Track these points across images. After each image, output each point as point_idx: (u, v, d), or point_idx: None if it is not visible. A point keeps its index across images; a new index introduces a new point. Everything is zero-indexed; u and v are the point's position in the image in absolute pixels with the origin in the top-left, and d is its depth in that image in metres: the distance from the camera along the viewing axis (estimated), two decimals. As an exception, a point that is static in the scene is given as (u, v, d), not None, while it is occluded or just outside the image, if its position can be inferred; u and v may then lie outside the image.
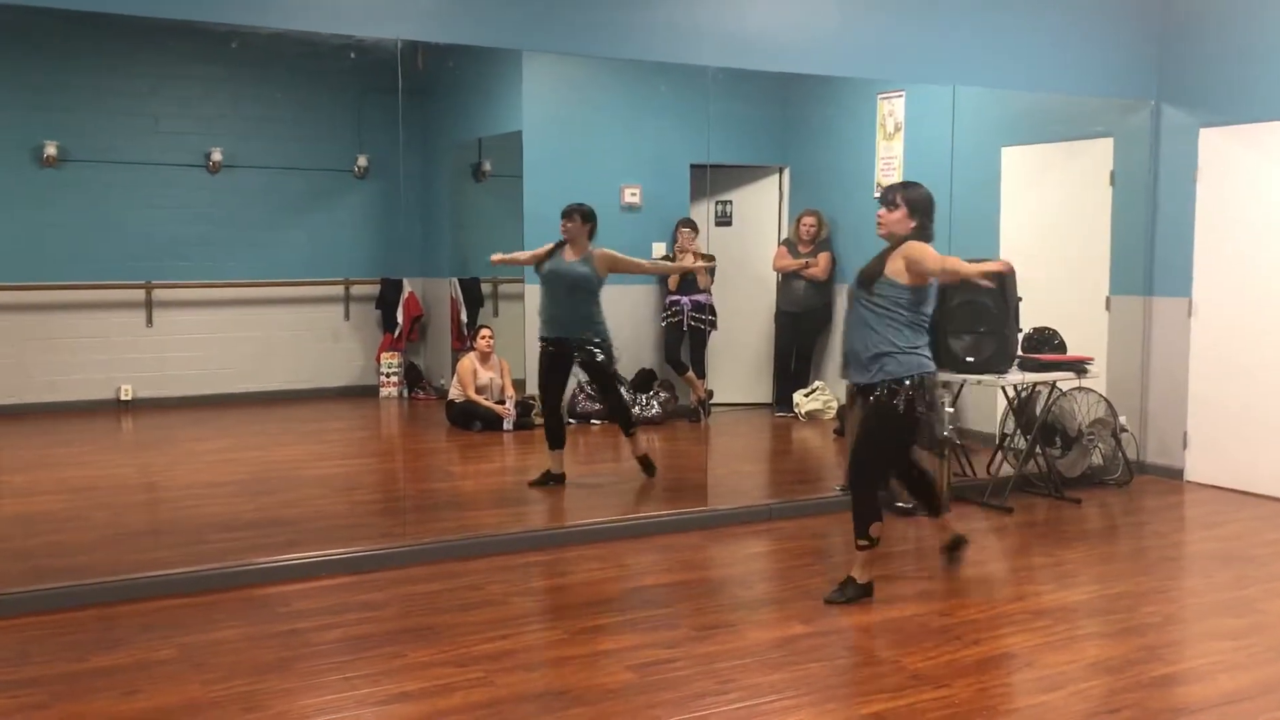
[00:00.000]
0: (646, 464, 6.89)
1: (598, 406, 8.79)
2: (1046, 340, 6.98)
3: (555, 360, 6.68)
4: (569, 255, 6.57)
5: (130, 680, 4.00)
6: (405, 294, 9.85)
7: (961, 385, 6.95)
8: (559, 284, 6.57)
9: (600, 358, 6.59)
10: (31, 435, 7.97)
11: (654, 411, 8.81)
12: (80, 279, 9.06)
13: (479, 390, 8.41)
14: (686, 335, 8.65)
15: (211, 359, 9.46)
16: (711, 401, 8.85)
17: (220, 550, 5.38)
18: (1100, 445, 7.14)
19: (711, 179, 8.46)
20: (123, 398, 9.02)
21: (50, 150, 8.85)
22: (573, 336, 6.57)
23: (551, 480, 6.72)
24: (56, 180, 8.93)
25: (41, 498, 6.43)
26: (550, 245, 6.65)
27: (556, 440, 6.73)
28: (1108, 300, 7.65)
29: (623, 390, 7.09)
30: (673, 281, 8.64)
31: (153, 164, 9.24)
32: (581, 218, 6.59)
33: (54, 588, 4.80)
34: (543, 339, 6.68)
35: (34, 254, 8.83)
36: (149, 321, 9.24)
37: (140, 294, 9.26)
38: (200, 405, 9.16)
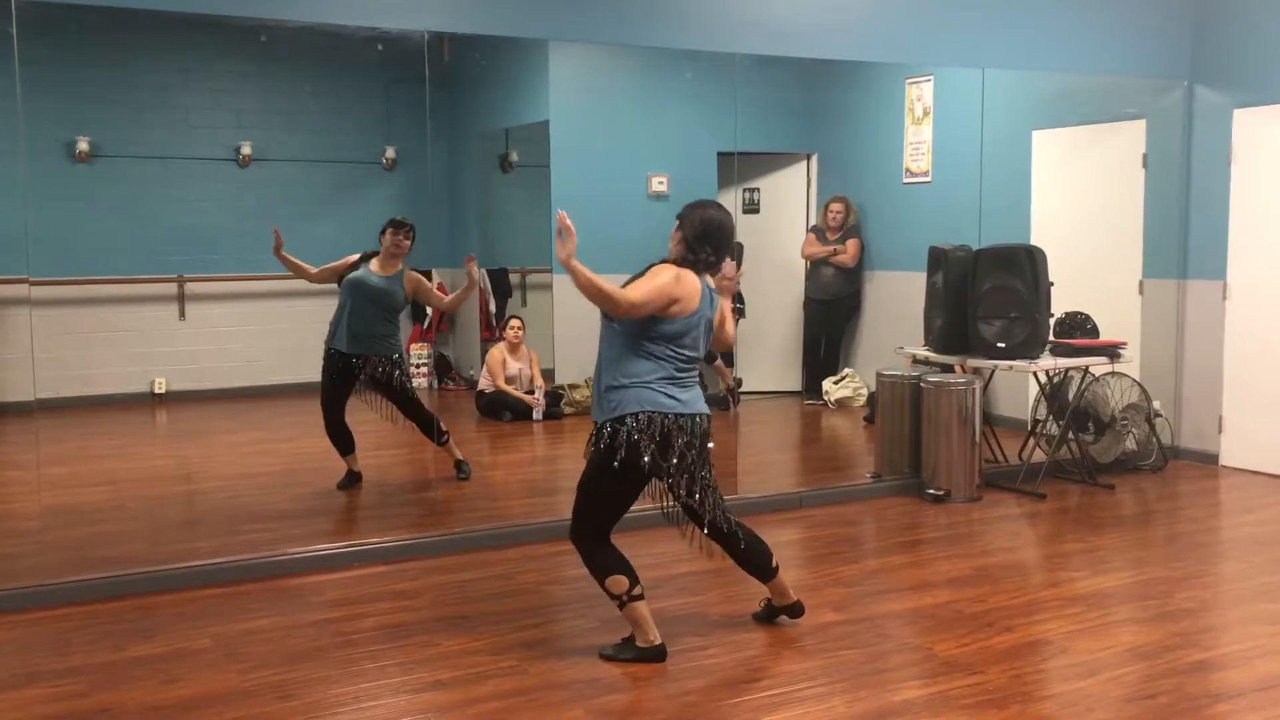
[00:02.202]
0: (461, 469, 6.71)
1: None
2: (1079, 325, 6.92)
3: (344, 373, 6.39)
4: (380, 271, 6.34)
5: (167, 670, 4.05)
6: (434, 285, 9.87)
7: (993, 371, 6.91)
8: (358, 295, 6.33)
9: (396, 374, 6.37)
10: (69, 428, 8.05)
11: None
12: (113, 273, 9.13)
13: (508, 380, 8.43)
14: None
15: (244, 351, 9.51)
16: (740, 390, 8.84)
17: (254, 541, 5.43)
18: (1134, 430, 7.08)
19: (739, 166, 8.43)
20: (157, 391, 9.10)
21: (82, 146, 8.92)
22: (369, 353, 6.32)
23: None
24: (89, 175, 9.00)
25: (79, 490, 6.51)
26: (355, 257, 6.39)
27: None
28: (1141, 284, 7.58)
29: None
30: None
31: (183, 158, 9.29)
32: (413, 237, 6.38)
33: (92, 578, 4.87)
34: (329, 350, 6.41)
35: (68, 249, 8.91)
36: (181, 315, 9.31)
37: (173, 288, 9.33)
38: (233, 397, 9.21)
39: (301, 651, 4.21)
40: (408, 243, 6.37)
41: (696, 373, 4.16)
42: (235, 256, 9.61)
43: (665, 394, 3.98)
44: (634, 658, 4.09)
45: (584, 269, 3.89)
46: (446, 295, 6.68)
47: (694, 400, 4.07)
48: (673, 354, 4.02)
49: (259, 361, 9.57)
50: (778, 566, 4.37)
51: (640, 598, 4.07)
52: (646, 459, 3.94)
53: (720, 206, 4.17)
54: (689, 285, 4.01)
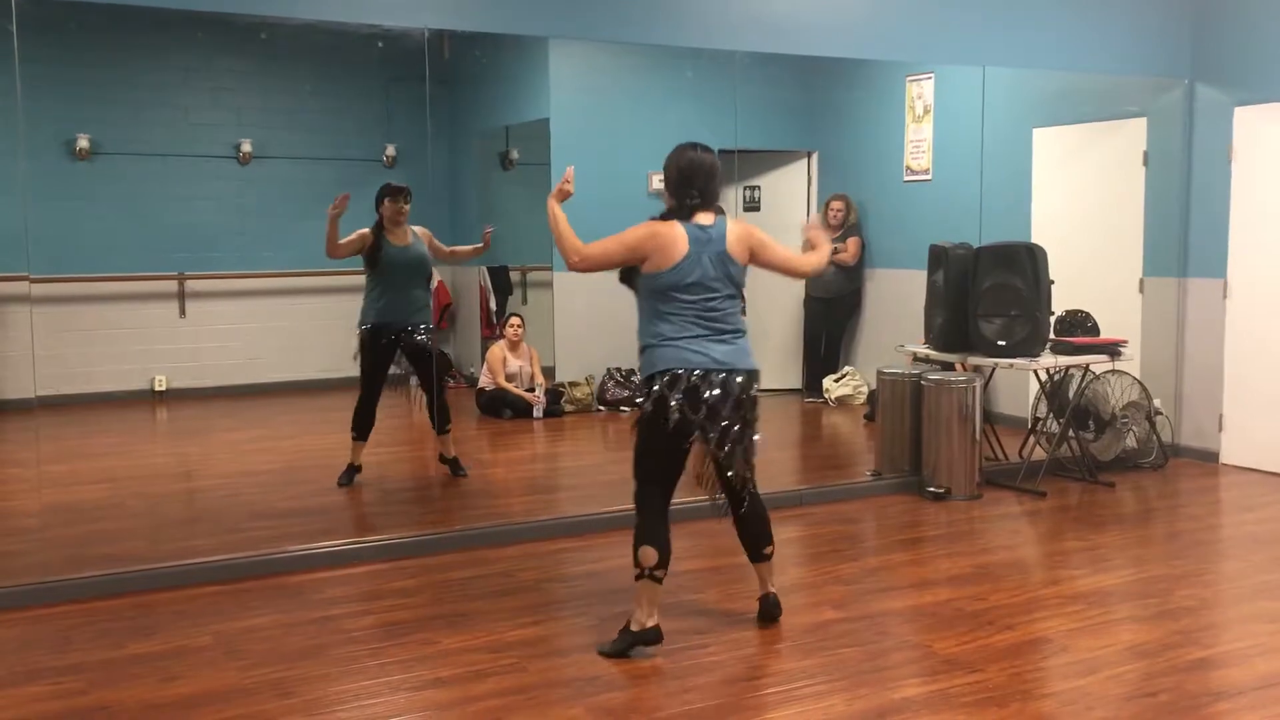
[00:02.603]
0: (456, 467, 6.70)
1: (626, 394, 8.80)
2: (1079, 323, 6.92)
3: (388, 346, 6.45)
4: (404, 239, 6.41)
5: (167, 667, 4.05)
6: (435, 283, 9.87)
7: (993, 369, 6.91)
8: (406, 267, 6.41)
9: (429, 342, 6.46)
10: (69, 426, 8.05)
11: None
12: (114, 271, 9.13)
13: (508, 378, 8.44)
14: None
15: (244, 349, 9.51)
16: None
17: (254, 538, 5.43)
18: (1134, 428, 7.08)
19: (739, 164, 8.44)
20: (157, 388, 9.10)
21: (83, 143, 8.92)
22: (414, 320, 6.42)
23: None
24: (89, 173, 9.00)
25: (80, 487, 6.51)
26: (365, 231, 6.40)
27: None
28: (1141, 282, 7.58)
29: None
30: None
31: (184, 156, 9.29)
32: (410, 198, 6.41)
33: (92, 576, 4.87)
34: (375, 326, 6.43)
35: (68, 247, 8.91)
36: (182, 312, 9.31)
37: (173, 285, 9.33)
38: (233, 395, 9.22)
39: (301, 649, 4.21)
40: (407, 206, 6.44)
41: (731, 317, 4.11)
42: (236, 254, 9.61)
43: (692, 350, 4.01)
44: (630, 644, 4.10)
45: (560, 214, 4.12)
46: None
47: (729, 355, 4.05)
48: (687, 306, 4.02)
49: (259, 359, 9.57)
50: (770, 554, 4.37)
51: (658, 580, 4.10)
52: (675, 414, 3.97)
53: (698, 146, 4.16)
54: (664, 237, 4.03)
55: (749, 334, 4.22)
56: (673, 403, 3.97)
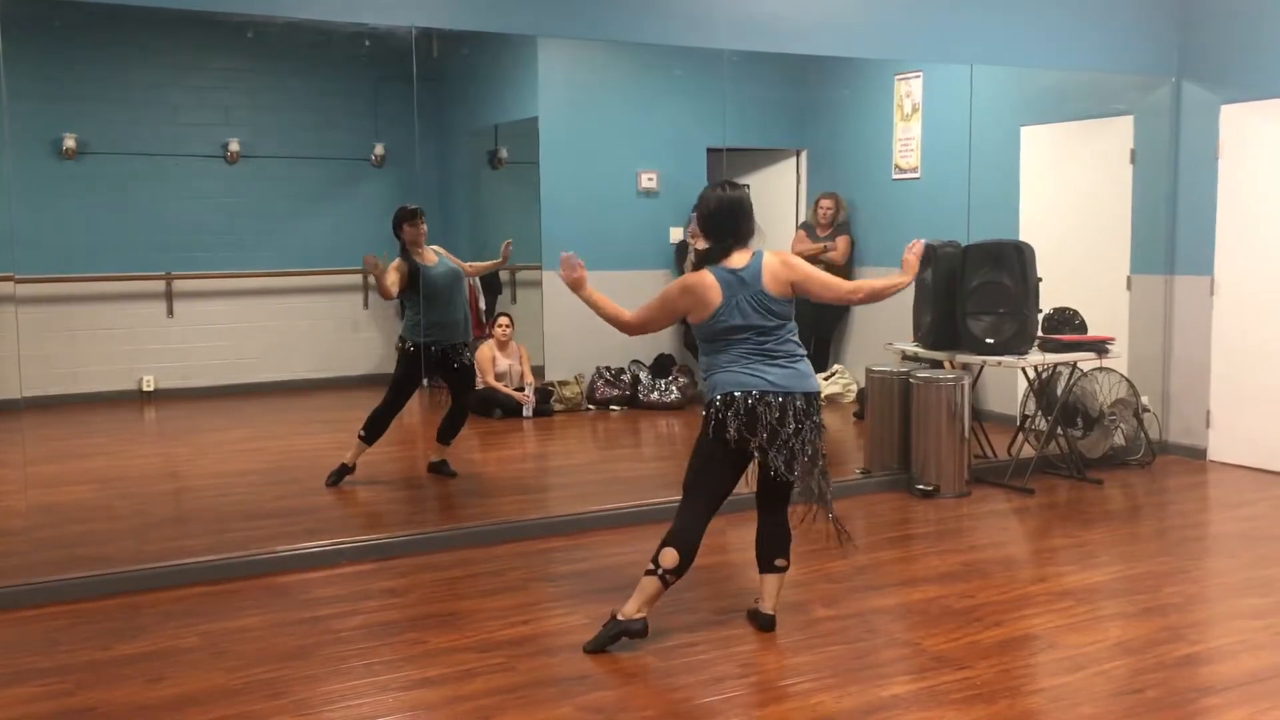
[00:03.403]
0: (444, 468, 6.73)
1: (615, 392, 8.80)
2: (1067, 320, 6.94)
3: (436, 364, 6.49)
4: (431, 258, 6.44)
5: (155, 668, 4.04)
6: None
7: (982, 366, 6.92)
8: (448, 286, 6.46)
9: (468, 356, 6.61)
10: (56, 426, 8.02)
11: (673, 396, 8.81)
12: (101, 270, 9.10)
13: (498, 377, 8.42)
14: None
15: (232, 349, 9.49)
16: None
17: (243, 539, 5.42)
18: (1122, 426, 7.10)
19: (728, 163, 8.42)
20: (145, 388, 9.07)
21: (69, 143, 8.88)
22: (463, 339, 6.54)
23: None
24: (76, 172, 8.97)
25: (67, 488, 6.48)
26: (397, 261, 6.36)
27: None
28: (1129, 279, 7.60)
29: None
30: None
31: (171, 155, 9.26)
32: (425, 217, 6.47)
33: (79, 577, 4.85)
34: (423, 344, 6.42)
35: (55, 246, 8.87)
36: (170, 312, 9.28)
37: (161, 285, 9.30)
38: (222, 395, 9.19)
39: (289, 649, 4.20)
40: (424, 225, 6.47)
41: (789, 347, 4.14)
42: (223, 254, 9.58)
43: (749, 373, 4.07)
44: (615, 634, 4.11)
45: (598, 297, 4.25)
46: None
47: (787, 378, 4.10)
48: (737, 344, 4.09)
49: (247, 359, 9.55)
50: (781, 568, 4.34)
51: (666, 584, 4.11)
52: (732, 433, 4.03)
53: (726, 185, 4.22)
54: (698, 290, 4.08)
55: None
56: (731, 425, 4.04)
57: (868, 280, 4.55)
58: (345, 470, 6.48)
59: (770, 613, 4.36)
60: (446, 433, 6.65)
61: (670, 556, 4.09)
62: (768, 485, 4.26)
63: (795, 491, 4.23)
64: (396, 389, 6.51)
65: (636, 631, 4.13)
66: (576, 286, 4.27)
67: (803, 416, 4.11)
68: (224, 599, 4.77)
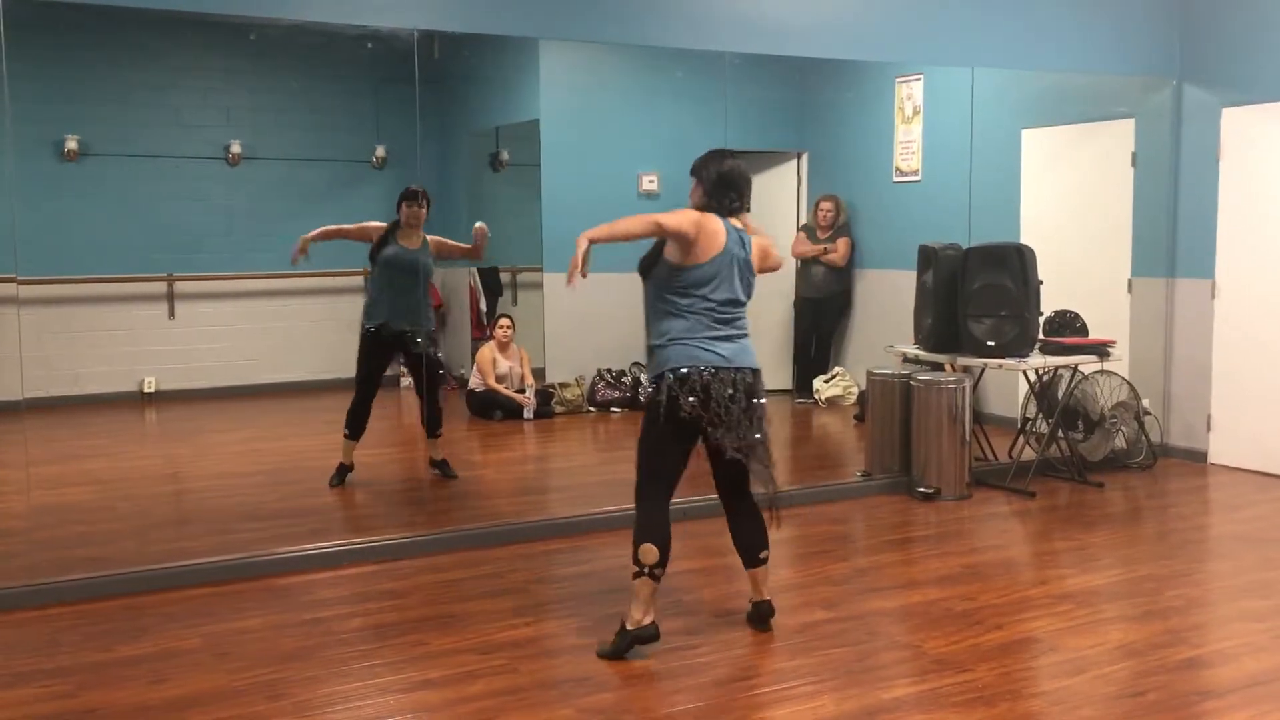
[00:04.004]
0: (446, 469, 6.72)
1: (616, 394, 8.80)
2: (1068, 323, 6.94)
3: (387, 347, 6.50)
4: (413, 244, 6.45)
5: (156, 669, 4.04)
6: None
7: (982, 369, 6.92)
8: (404, 270, 6.43)
9: (432, 348, 6.53)
10: (58, 428, 8.03)
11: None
12: (103, 272, 9.11)
13: (499, 379, 8.43)
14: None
15: (234, 350, 9.49)
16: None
17: (244, 540, 5.42)
18: (1123, 429, 7.10)
19: (730, 165, 8.42)
20: (146, 390, 9.07)
21: (71, 144, 8.89)
22: (413, 325, 6.46)
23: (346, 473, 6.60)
24: (78, 174, 8.97)
25: (69, 489, 6.49)
26: (382, 226, 6.47)
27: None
28: (1130, 282, 7.60)
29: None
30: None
31: (173, 157, 9.27)
32: (429, 202, 6.49)
33: (81, 578, 4.85)
34: (374, 328, 6.44)
35: (57, 248, 8.88)
36: (171, 314, 9.29)
37: (162, 286, 9.30)
38: (223, 397, 9.20)
39: (291, 651, 4.20)
40: (424, 211, 6.47)
41: (740, 321, 4.15)
42: (225, 255, 9.59)
43: (703, 348, 4.03)
44: (628, 644, 4.09)
45: (602, 229, 3.95)
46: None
47: (738, 354, 4.09)
48: (706, 305, 4.04)
49: (249, 360, 9.55)
50: (764, 560, 4.34)
51: (657, 579, 4.08)
52: (686, 411, 3.98)
53: (733, 154, 4.25)
54: (709, 227, 4.06)
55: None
56: (685, 401, 3.98)
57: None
58: (345, 470, 6.49)
59: (767, 597, 4.37)
60: (430, 425, 6.63)
61: (650, 553, 4.06)
62: (725, 471, 4.22)
63: (753, 487, 4.21)
64: (359, 378, 6.51)
65: (649, 638, 4.11)
66: (594, 240, 3.93)
67: (752, 393, 4.11)
68: (226, 600, 4.77)
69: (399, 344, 6.49)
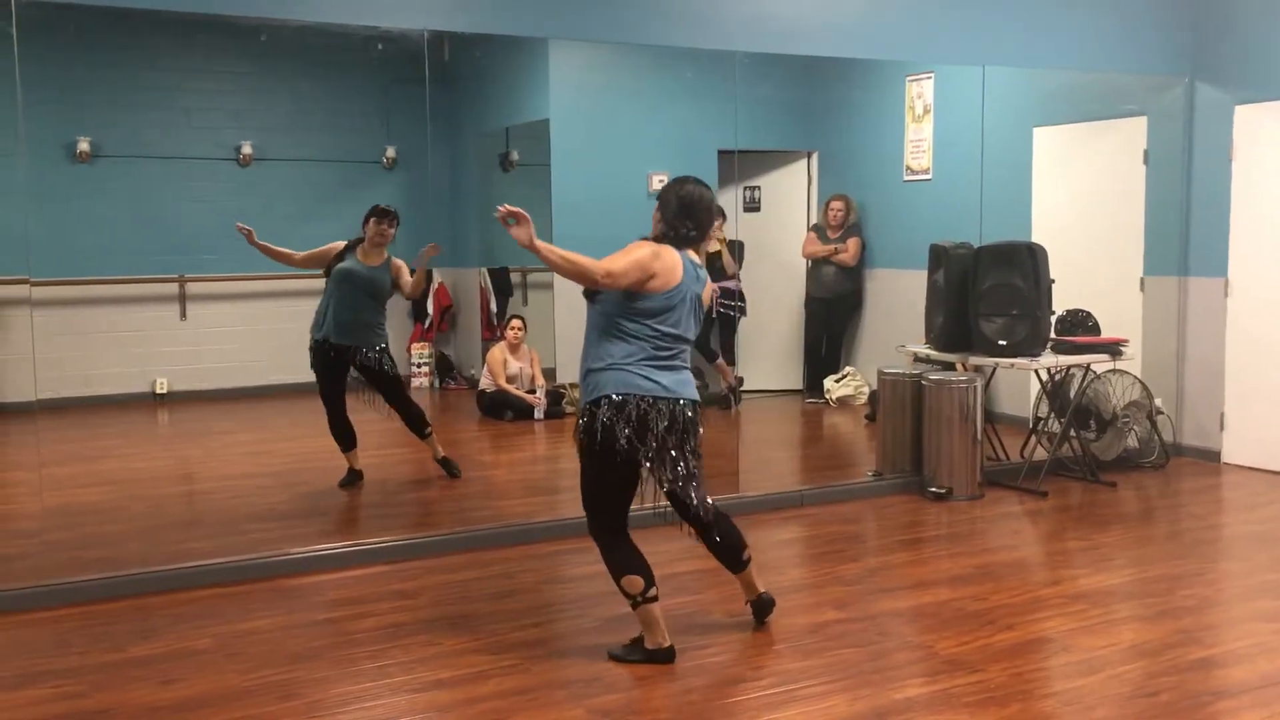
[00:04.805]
0: (450, 467, 6.70)
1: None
2: (1080, 322, 6.91)
3: (334, 364, 6.40)
4: (372, 261, 6.34)
5: (167, 670, 4.05)
6: (435, 285, 9.86)
7: (994, 368, 6.90)
8: (353, 287, 6.33)
9: (384, 362, 6.41)
10: (69, 429, 8.05)
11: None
12: (114, 273, 9.14)
13: (509, 380, 8.43)
14: (716, 322, 8.63)
15: (245, 351, 9.51)
16: (742, 388, 8.83)
17: (254, 541, 5.43)
18: (1135, 428, 7.07)
19: (739, 165, 8.42)
20: (158, 391, 9.10)
21: (83, 146, 8.92)
22: (357, 343, 6.33)
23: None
24: (90, 176, 9.00)
25: (80, 490, 6.51)
26: (341, 244, 6.39)
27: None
28: (1142, 281, 7.57)
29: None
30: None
31: (184, 158, 9.30)
32: (398, 224, 6.37)
33: (91, 579, 4.86)
34: (319, 341, 6.37)
35: (68, 249, 8.91)
36: (183, 315, 9.31)
37: (174, 287, 9.33)
38: (234, 398, 9.21)
39: (302, 651, 4.21)
40: (392, 231, 6.35)
41: (683, 355, 4.05)
42: (236, 256, 9.57)
43: (642, 376, 3.88)
44: (643, 659, 4.05)
45: (551, 247, 3.79)
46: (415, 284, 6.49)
47: (677, 384, 3.96)
48: (652, 334, 3.91)
49: (260, 361, 9.56)
50: (749, 559, 4.31)
51: (654, 600, 4.03)
52: (622, 442, 3.85)
53: (698, 181, 4.10)
54: (668, 260, 3.94)
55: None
56: (621, 433, 3.85)
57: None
58: (354, 474, 6.50)
59: (762, 590, 4.36)
60: (414, 428, 6.60)
61: (635, 583, 3.99)
62: (675, 502, 4.10)
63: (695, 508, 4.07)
64: (320, 394, 6.46)
65: (666, 659, 4.05)
66: (527, 241, 3.79)
67: (691, 425, 4.00)
68: (236, 601, 4.78)
69: (344, 360, 6.36)
